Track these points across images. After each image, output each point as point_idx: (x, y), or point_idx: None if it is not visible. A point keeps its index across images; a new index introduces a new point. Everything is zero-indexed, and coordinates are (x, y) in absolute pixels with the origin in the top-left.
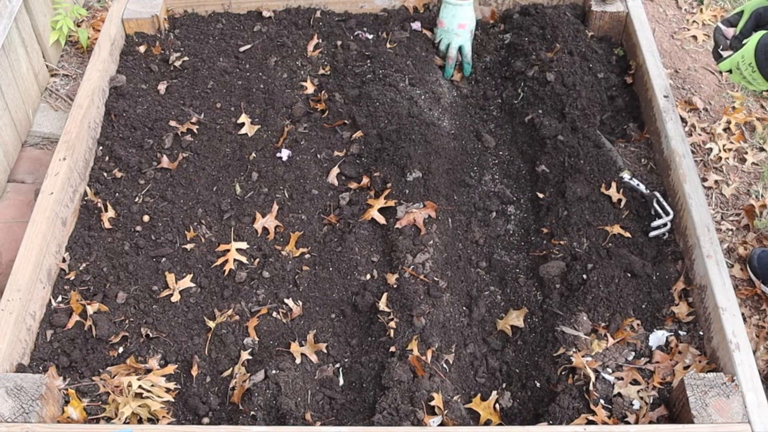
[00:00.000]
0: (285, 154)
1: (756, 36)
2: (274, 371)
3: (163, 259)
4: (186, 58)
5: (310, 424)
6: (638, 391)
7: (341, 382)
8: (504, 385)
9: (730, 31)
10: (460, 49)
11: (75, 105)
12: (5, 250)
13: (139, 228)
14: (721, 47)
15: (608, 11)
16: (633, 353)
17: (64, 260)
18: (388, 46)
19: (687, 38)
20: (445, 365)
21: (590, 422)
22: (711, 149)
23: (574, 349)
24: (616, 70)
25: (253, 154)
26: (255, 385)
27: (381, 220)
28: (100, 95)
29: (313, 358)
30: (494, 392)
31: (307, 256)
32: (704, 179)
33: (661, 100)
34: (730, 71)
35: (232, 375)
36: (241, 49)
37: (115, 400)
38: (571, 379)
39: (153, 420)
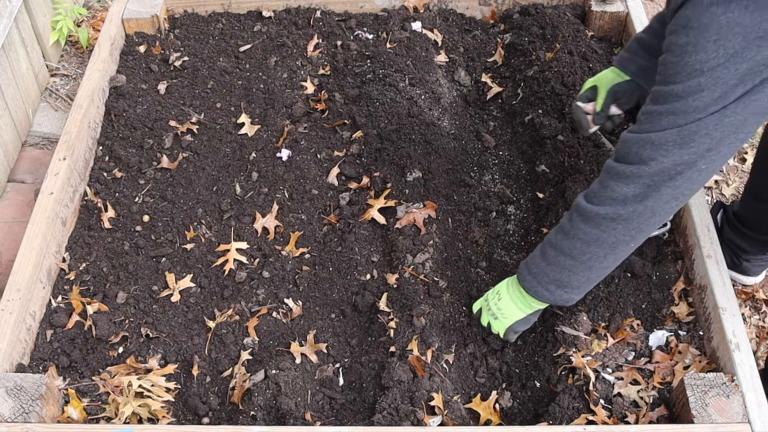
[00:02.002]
0: (285, 154)
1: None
2: (274, 371)
3: (163, 259)
4: (186, 58)
5: (310, 424)
6: (638, 391)
7: (341, 382)
8: (504, 385)
9: (590, 107)
10: None
11: (75, 105)
12: (5, 250)
13: (139, 228)
14: (584, 125)
15: (608, 11)
16: (633, 353)
17: (64, 260)
18: (388, 46)
19: None
20: (445, 365)
21: (590, 422)
22: None
23: (574, 349)
24: None
25: (253, 154)
26: (255, 385)
27: (381, 220)
28: (100, 95)
29: (313, 358)
30: (494, 392)
31: (307, 256)
32: None
33: None
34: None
35: (232, 375)
36: (241, 49)
37: (115, 400)
38: (571, 379)
39: (153, 420)
